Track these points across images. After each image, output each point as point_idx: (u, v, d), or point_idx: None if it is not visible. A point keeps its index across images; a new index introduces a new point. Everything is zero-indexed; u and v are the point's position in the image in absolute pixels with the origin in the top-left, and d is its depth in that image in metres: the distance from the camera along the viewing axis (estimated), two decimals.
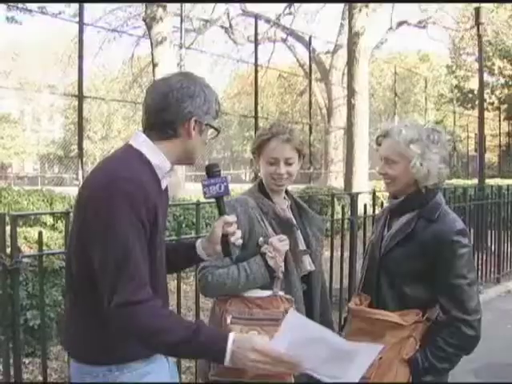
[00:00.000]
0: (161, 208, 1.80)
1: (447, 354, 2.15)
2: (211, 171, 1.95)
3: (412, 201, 2.31)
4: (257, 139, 2.44)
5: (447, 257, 2.17)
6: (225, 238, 1.93)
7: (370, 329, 2.14)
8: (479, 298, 2.24)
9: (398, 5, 17.17)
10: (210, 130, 1.90)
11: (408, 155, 2.24)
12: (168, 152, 1.82)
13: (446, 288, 2.18)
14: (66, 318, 1.94)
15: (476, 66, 17.71)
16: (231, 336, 1.62)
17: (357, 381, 1.73)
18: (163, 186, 1.88)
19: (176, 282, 3.61)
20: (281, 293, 2.30)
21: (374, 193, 5.39)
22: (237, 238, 1.95)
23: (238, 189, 11.21)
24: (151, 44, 12.02)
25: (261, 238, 2.28)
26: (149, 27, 12.04)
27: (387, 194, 2.50)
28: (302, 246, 2.45)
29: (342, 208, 4.99)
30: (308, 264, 2.44)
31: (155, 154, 1.80)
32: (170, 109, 1.78)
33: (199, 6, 18.69)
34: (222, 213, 1.97)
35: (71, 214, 3.50)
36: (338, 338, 1.69)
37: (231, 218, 1.95)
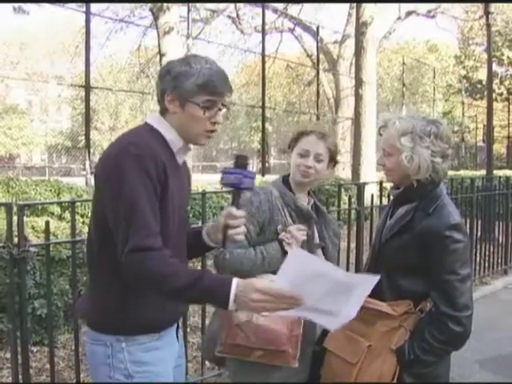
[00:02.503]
0: (175, 178, 1.86)
1: (433, 348, 2.14)
2: (236, 161, 1.95)
3: (411, 192, 2.29)
4: (295, 132, 2.54)
5: (438, 251, 2.15)
6: (225, 229, 1.95)
7: (363, 316, 2.15)
8: (471, 295, 2.21)
9: None
10: (224, 110, 1.94)
11: (400, 148, 2.21)
12: (171, 126, 1.94)
13: (436, 283, 2.16)
14: (87, 290, 2.06)
15: (485, 56, 17.59)
16: (235, 280, 1.67)
17: (354, 315, 1.77)
18: (179, 161, 1.97)
19: None
20: None
21: (381, 183, 5.37)
22: (237, 232, 1.95)
23: None
24: (158, 34, 11.98)
25: (279, 226, 2.36)
26: (156, 17, 11.99)
27: (391, 183, 2.49)
28: (316, 241, 2.53)
29: (349, 198, 4.98)
30: None
31: (167, 128, 1.93)
32: (156, 88, 1.96)
33: None
34: (232, 204, 1.97)
35: (77, 204, 3.53)
36: (338, 271, 1.71)
37: (238, 212, 1.94)
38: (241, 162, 1.94)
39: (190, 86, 1.88)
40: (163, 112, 1.94)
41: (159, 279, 1.71)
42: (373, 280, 1.77)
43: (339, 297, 1.71)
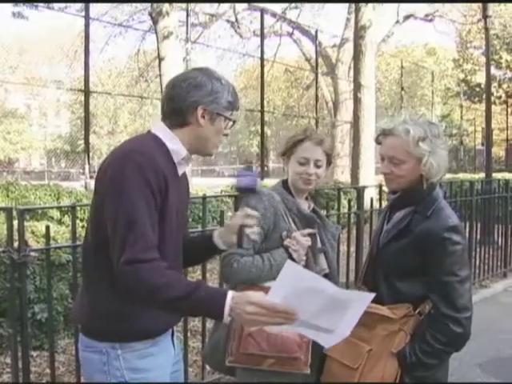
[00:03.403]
0: (175, 189, 1.88)
1: (434, 350, 2.16)
2: (246, 166, 2.03)
3: (409, 196, 2.31)
4: (290, 140, 2.54)
5: (438, 254, 2.17)
6: (242, 228, 2.01)
7: (362, 320, 2.15)
8: (471, 296, 2.23)
9: None
10: (230, 122, 1.99)
11: (417, 153, 2.23)
12: (183, 138, 1.94)
13: (436, 285, 2.18)
14: (80, 296, 2.04)
15: (483, 59, 17.61)
16: (230, 293, 1.69)
17: (349, 333, 1.77)
18: (180, 172, 1.97)
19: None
20: None
21: (380, 187, 5.38)
22: (253, 231, 2.03)
23: None
24: (157, 38, 11.99)
25: (284, 232, 2.36)
26: (155, 21, 12.00)
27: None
28: (319, 245, 2.54)
29: (349, 202, 4.99)
30: (324, 263, 2.51)
31: (171, 139, 1.93)
32: (178, 98, 1.91)
33: None
34: (246, 205, 2.09)
35: (77, 208, 3.53)
36: (333, 287, 1.71)
37: (253, 212, 2.04)
38: (249, 166, 2.04)
39: (224, 102, 1.94)
40: (181, 124, 1.93)
41: (153, 290, 1.71)
42: (368, 297, 1.78)
43: (333, 314, 1.71)
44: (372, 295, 1.79)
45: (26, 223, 3.90)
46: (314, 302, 1.67)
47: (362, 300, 1.77)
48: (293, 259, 2.30)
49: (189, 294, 1.68)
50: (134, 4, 17.14)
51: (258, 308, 1.63)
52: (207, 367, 4.00)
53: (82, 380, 3.53)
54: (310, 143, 2.46)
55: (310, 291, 1.65)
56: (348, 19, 18.80)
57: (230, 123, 1.99)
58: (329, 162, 2.54)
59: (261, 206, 2.38)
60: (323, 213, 2.83)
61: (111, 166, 1.82)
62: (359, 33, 12.13)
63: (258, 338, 2.22)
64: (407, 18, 20.80)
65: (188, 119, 1.91)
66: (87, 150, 10.72)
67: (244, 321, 1.68)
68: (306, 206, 2.56)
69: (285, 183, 2.56)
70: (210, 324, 4.49)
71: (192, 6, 14.92)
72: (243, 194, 2.17)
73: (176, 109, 1.92)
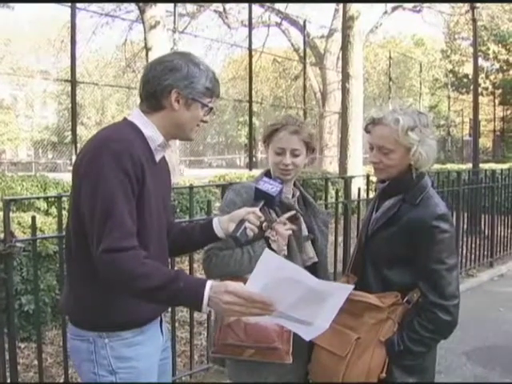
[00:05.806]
0: (153, 176, 1.88)
1: (423, 338, 2.17)
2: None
3: (397, 185, 2.32)
4: (267, 129, 2.49)
5: (426, 241, 2.18)
6: (243, 221, 2.04)
7: (350, 309, 2.16)
8: (458, 284, 2.24)
9: None
10: (207, 109, 1.97)
11: (406, 143, 2.23)
12: (158, 124, 1.93)
13: (424, 272, 2.19)
14: (66, 286, 2.04)
15: (471, 50, 17.68)
16: (209, 283, 1.67)
17: (328, 325, 1.76)
18: (157, 159, 1.96)
19: (169, 266, 3.62)
20: None
21: (367, 177, 5.40)
22: (252, 228, 2.05)
23: (232, 174, 11.21)
24: (144, 28, 11.91)
25: (264, 223, 2.31)
26: (142, 11, 11.91)
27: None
28: (305, 233, 2.50)
29: (336, 192, 5.00)
30: (311, 252, 2.47)
31: (147, 125, 1.92)
32: (153, 81, 1.90)
33: None
34: (256, 206, 2.14)
35: (64, 199, 3.51)
36: (312, 278, 1.69)
37: (260, 213, 2.08)
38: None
39: (201, 88, 1.91)
40: (156, 108, 1.91)
41: (131, 279, 1.70)
42: (347, 289, 1.78)
43: (312, 305, 1.70)
44: (351, 287, 1.80)
45: (12, 214, 3.88)
46: (293, 293, 1.66)
47: (340, 292, 1.76)
48: (273, 250, 2.28)
49: (167, 284, 1.67)
50: None
51: (235, 297, 1.62)
52: (195, 357, 4.01)
53: (70, 371, 3.53)
54: (285, 133, 2.39)
55: (288, 281, 1.64)
56: (336, 10, 18.78)
57: (208, 110, 1.97)
58: (310, 150, 2.48)
59: (239, 200, 2.36)
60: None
61: (87, 156, 1.80)
62: (347, 23, 12.11)
63: (236, 328, 2.21)
64: (395, 8, 20.84)
65: (162, 103, 1.90)
66: (74, 140, 10.66)
67: (221, 310, 1.66)
68: (290, 193, 2.51)
69: (268, 173, 2.51)
70: (197, 314, 4.51)
71: None
72: (259, 198, 2.18)
73: (151, 92, 1.90)
